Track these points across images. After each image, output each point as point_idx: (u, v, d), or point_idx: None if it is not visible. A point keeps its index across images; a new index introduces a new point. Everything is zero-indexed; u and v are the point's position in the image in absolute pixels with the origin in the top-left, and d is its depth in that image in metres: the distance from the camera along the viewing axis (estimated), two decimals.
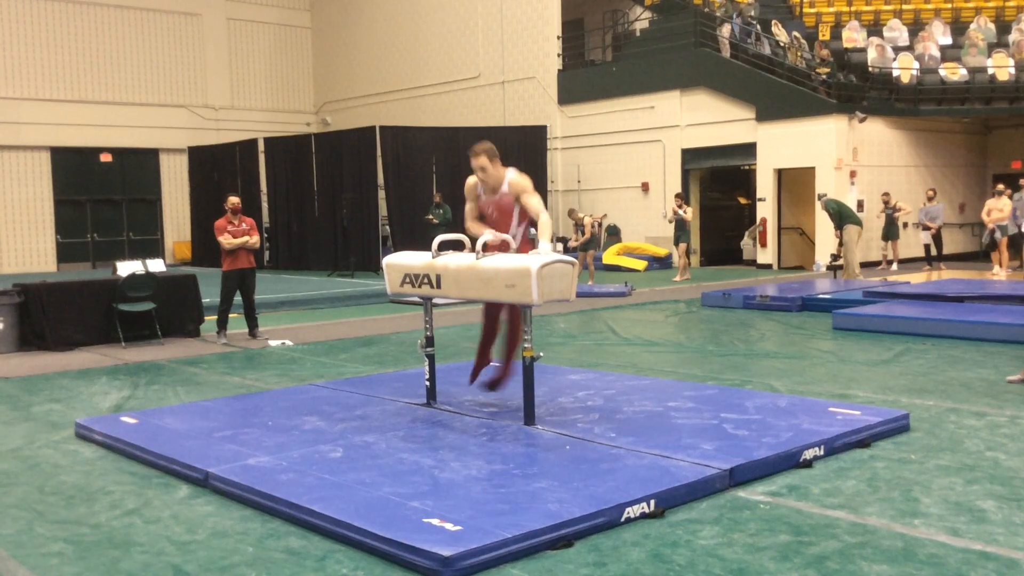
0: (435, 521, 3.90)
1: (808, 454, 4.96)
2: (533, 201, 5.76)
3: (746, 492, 4.50)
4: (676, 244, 17.46)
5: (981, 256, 16.88)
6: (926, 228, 18.13)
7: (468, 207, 6.11)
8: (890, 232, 18.37)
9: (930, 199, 18.31)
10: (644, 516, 4.14)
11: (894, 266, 18.28)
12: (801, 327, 10.58)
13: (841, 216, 15.77)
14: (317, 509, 4.14)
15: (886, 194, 18.38)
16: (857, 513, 4.18)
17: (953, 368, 7.75)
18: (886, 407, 6.11)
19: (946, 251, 18.77)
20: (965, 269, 17.24)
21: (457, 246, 6.05)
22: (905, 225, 19.47)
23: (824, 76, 19.23)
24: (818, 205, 16.89)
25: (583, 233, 16.14)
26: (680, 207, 17.10)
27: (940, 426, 5.74)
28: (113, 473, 5.22)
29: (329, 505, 4.17)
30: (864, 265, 17.84)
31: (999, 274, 15.75)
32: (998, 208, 16.23)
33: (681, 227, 17.13)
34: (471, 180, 6.03)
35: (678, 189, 20.52)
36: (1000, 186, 17.01)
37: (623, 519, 4.08)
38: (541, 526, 3.83)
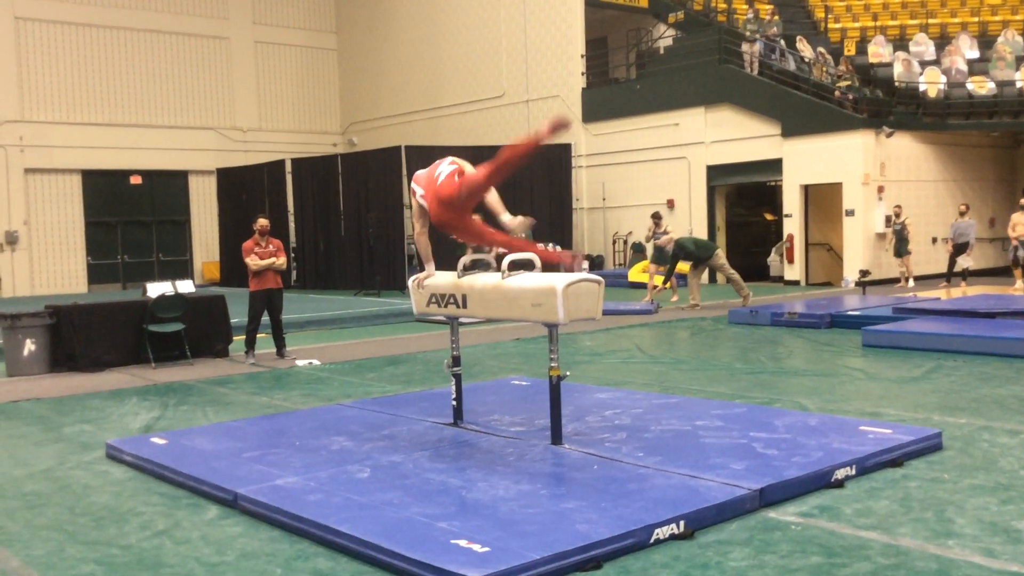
0: (463, 542, 3.88)
1: (840, 474, 4.90)
2: None
3: (777, 513, 4.45)
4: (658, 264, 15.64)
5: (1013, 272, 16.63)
6: (958, 248, 17.25)
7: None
8: (900, 248, 17.69)
9: (962, 214, 17.68)
10: (673, 537, 4.11)
11: (910, 283, 17.61)
12: (830, 344, 10.48)
13: (698, 256, 14.62)
14: (344, 530, 4.14)
15: (898, 207, 17.81)
16: (890, 534, 4.12)
17: (985, 385, 7.65)
18: (918, 425, 6.03)
19: (976, 266, 18.48)
20: (992, 285, 16.98)
21: (483, 266, 6.05)
22: (935, 240, 19.25)
23: (845, 90, 19.09)
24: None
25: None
26: (656, 228, 15.74)
27: (973, 444, 5.66)
28: (143, 494, 5.26)
29: (356, 526, 4.17)
30: (881, 283, 17.58)
31: (1021, 289, 15.48)
32: (1022, 222, 15.99)
33: (660, 253, 15.52)
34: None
35: (703, 206, 20.48)
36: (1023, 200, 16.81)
37: (652, 540, 4.05)
38: (570, 548, 3.81)
